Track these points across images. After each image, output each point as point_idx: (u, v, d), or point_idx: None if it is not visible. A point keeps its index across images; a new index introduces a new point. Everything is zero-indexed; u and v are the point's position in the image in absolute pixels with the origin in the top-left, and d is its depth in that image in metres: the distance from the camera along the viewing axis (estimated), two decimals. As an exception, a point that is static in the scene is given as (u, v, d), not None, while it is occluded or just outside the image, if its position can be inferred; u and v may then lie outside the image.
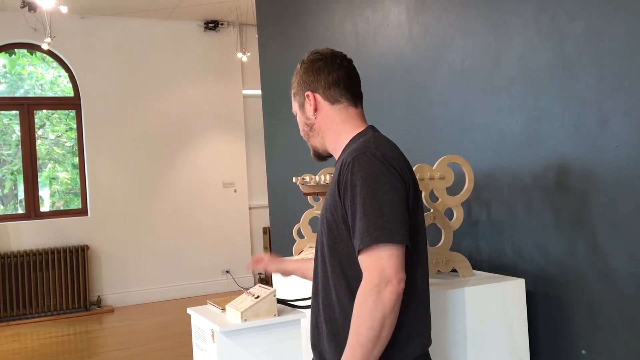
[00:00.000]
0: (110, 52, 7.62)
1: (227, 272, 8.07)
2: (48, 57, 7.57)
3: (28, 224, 7.22)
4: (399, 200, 1.44)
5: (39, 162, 7.51)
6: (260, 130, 5.41)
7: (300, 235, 3.02)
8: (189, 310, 2.30)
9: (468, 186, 2.30)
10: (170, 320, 6.60)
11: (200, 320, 2.18)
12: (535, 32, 2.28)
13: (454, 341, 2.06)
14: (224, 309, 2.16)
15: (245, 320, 2.02)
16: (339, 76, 1.66)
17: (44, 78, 7.84)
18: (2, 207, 7.59)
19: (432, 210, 2.26)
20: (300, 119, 1.74)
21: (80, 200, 7.60)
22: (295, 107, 1.75)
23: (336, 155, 1.67)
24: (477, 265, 2.53)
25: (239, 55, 8.08)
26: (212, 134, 8.20)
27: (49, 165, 7.78)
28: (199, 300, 4.33)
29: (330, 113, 1.67)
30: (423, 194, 2.23)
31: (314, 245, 1.71)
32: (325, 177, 2.51)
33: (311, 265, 1.74)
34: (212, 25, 8.12)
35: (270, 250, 6.24)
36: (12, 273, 6.93)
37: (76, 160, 7.69)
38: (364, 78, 1.75)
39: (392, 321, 1.39)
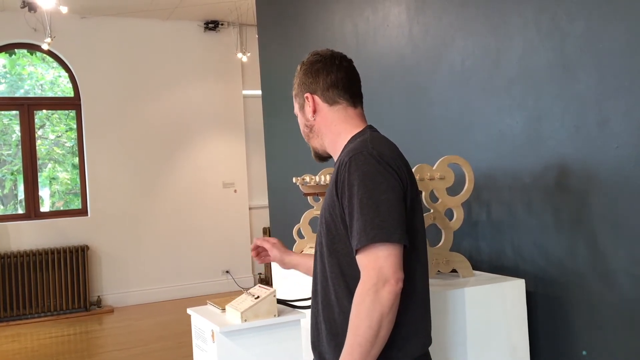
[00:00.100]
0: (110, 52, 7.63)
1: (227, 272, 8.06)
2: (48, 57, 7.57)
3: (28, 224, 7.22)
4: (396, 200, 1.43)
5: (39, 162, 7.51)
6: (260, 130, 5.41)
7: (301, 236, 3.01)
8: (189, 311, 2.30)
9: (468, 186, 2.30)
10: (170, 320, 6.60)
11: (200, 320, 2.17)
12: (535, 32, 2.27)
13: (454, 341, 2.06)
14: (224, 309, 2.16)
15: (245, 320, 2.02)
16: (338, 77, 1.66)
17: (44, 78, 7.84)
18: (2, 207, 7.59)
19: (432, 211, 2.26)
20: (300, 120, 1.75)
21: (80, 200, 7.60)
22: (296, 108, 1.77)
23: (335, 156, 1.67)
24: (477, 265, 2.53)
25: (239, 55, 8.08)
26: (212, 134, 8.20)
27: (49, 166, 7.78)
28: (199, 300, 4.33)
29: (329, 114, 1.67)
30: (423, 194, 2.23)
31: (314, 246, 1.71)
32: (325, 177, 2.51)
33: (314, 262, 1.73)
34: (212, 25, 8.12)
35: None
36: (12, 273, 6.93)
37: (76, 160, 7.69)
38: (364, 78, 1.75)
39: (390, 321, 1.39)
